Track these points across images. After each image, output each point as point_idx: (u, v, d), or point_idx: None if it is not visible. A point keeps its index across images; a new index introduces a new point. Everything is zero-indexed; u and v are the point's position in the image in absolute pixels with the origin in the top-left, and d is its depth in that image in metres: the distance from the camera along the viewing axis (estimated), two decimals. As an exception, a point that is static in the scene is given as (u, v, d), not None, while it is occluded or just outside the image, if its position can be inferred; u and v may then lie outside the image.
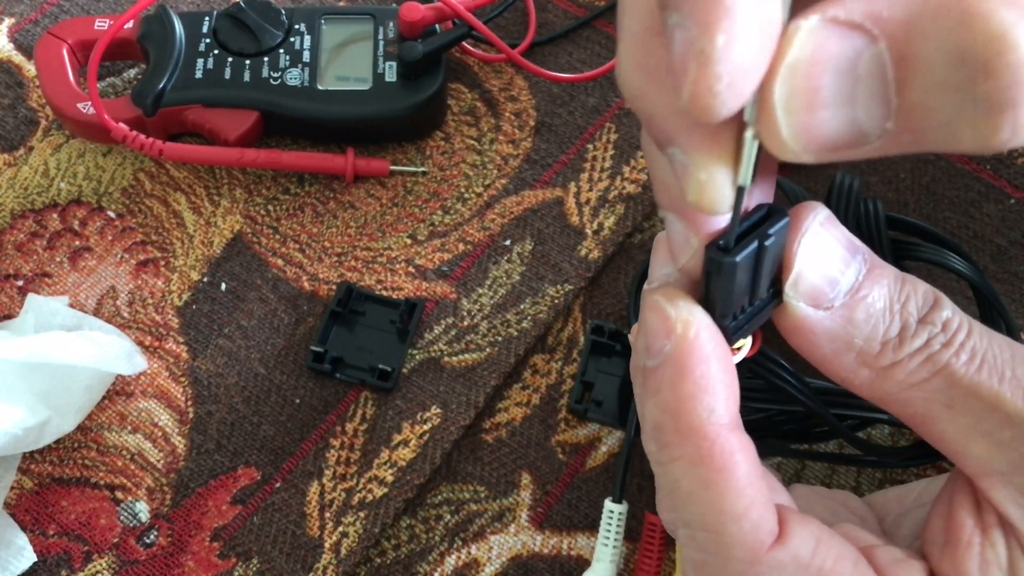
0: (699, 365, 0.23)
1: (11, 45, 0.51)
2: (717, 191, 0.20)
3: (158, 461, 0.41)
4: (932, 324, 0.24)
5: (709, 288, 0.23)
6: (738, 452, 0.23)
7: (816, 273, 0.24)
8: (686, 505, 0.24)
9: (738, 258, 0.22)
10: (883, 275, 0.24)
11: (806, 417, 0.37)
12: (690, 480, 0.24)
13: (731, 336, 0.24)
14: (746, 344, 0.25)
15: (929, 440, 0.26)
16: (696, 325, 0.23)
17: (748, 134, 0.19)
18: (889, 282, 0.24)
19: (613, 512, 0.37)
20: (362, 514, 0.39)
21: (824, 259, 0.24)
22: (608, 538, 0.37)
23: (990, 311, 0.37)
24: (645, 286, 0.26)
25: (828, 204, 0.36)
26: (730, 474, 0.23)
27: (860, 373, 0.25)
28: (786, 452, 0.39)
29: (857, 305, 0.24)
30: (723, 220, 0.22)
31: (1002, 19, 0.16)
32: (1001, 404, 0.24)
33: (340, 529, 0.39)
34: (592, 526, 0.39)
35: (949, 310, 0.25)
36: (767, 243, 0.22)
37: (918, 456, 0.37)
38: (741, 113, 0.19)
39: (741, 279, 0.23)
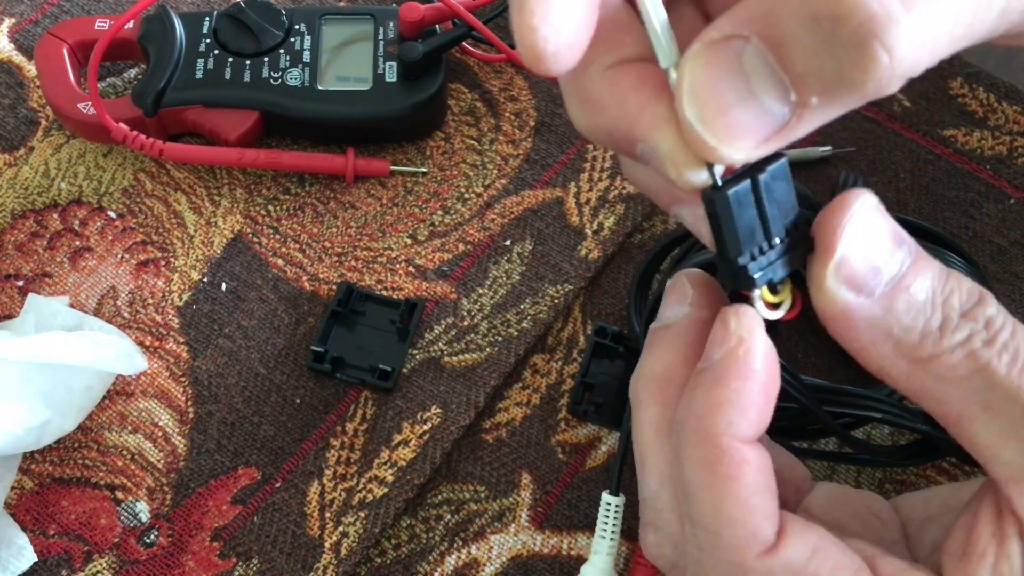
0: (737, 380, 0.24)
1: (11, 45, 0.51)
2: (689, 152, 0.22)
3: (158, 461, 0.41)
4: (975, 320, 0.24)
5: (715, 233, 0.24)
6: (747, 464, 0.24)
7: (859, 259, 0.24)
8: (691, 502, 0.25)
9: (729, 192, 0.23)
10: (928, 267, 0.24)
11: (800, 414, 0.37)
12: (697, 479, 0.25)
13: (752, 277, 0.24)
14: (786, 302, 0.26)
15: (961, 442, 0.25)
16: (748, 343, 0.24)
17: (672, 76, 0.22)
18: (934, 275, 0.24)
19: (610, 505, 0.37)
20: (362, 514, 0.39)
21: (868, 246, 0.24)
22: (605, 531, 0.37)
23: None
24: (652, 325, 0.28)
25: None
26: (734, 482, 0.24)
27: (898, 364, 0.25)
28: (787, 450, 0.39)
29: (899, 295, 0.24)
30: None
31: None
32: None
33: (340, 529, 0.39)
34: (592, 526, 0.39)
35: (994, 308, 0.24)
36: (762, 176, 0.23)
37: (913, 455, 0.37)
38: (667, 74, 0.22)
39: (743, 215, 0.23)
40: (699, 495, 0.25)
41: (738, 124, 0.21)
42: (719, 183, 0.23)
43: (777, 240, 0.24)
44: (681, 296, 0.27)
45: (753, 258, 0.24)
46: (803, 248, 0.25)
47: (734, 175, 0.23)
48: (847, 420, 0.37)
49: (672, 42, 0.22)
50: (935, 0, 0.20)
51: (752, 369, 0.24)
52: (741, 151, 0.21)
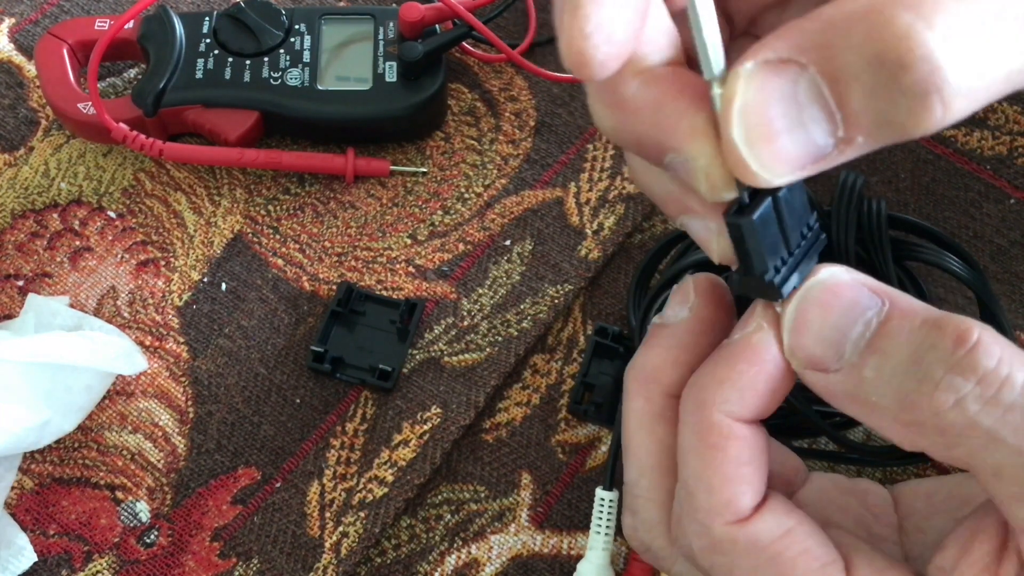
0: (743, 363, 0.25)
1: (11, 45, 0.51)
2: (726, 169, 0.22)
3: (158, 461, 0.41)
4: (963, 377, 0.22)
5: (740, 253, 0.24)
6: (734, 439, 0.25)
7: (811, 343, 0.24)
8: (681, 463, 0.26)
9: (755, 215, 0.23)
10: (902, 326, 0.23)
11: (790, 413, 0.37)
12: (687, 443, 0.26)
13: (779, 288, 0.24)
14: None
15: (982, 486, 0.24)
16: (762, 333, 0.25)
17: (715, 92, 0.21)
18: (911, 329, 0.23)
19: (604, 499, 0.37)
20: (362, 514, 0.39)
21: (821, 328, 0.24)
22: (600, 526, 0.37)
23: (986, 314, 0.37)
24: (654, 319, 0.28)
25: (833, 203, 0.36)
26: (718, 452, 0.25)
27: (893, 428, 0.24)
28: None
29: (867, 361, 0.23)
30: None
31: (903, 21, 0.19)
32: None
33: (340, 529, 0.39)
34: (592, 526, 0.39)
35: (993, 359, 0.22)
36: (781, 193, 0.23)
37: (910, 456, 0.37)
38: (708, 85, 0.21)
39: (767, 233, 0.23)
40: (687, 457, 0.26)
41: (784, 152, 0.21)
42: (746, 201, 0.23)
43: (796, 248, 0.24)
44: (683, 299, 0.27)
45: (776, 271, 0.24)
46: (818, 245, 0.25)
47: (753, 190, 0.23)
48: (838, 420, 0.37)
49: (721, 54, 0.21)
50: (994, 58, 0.19)
51: (761, 357, 0.24)
52: (779, 177, 0.21)
